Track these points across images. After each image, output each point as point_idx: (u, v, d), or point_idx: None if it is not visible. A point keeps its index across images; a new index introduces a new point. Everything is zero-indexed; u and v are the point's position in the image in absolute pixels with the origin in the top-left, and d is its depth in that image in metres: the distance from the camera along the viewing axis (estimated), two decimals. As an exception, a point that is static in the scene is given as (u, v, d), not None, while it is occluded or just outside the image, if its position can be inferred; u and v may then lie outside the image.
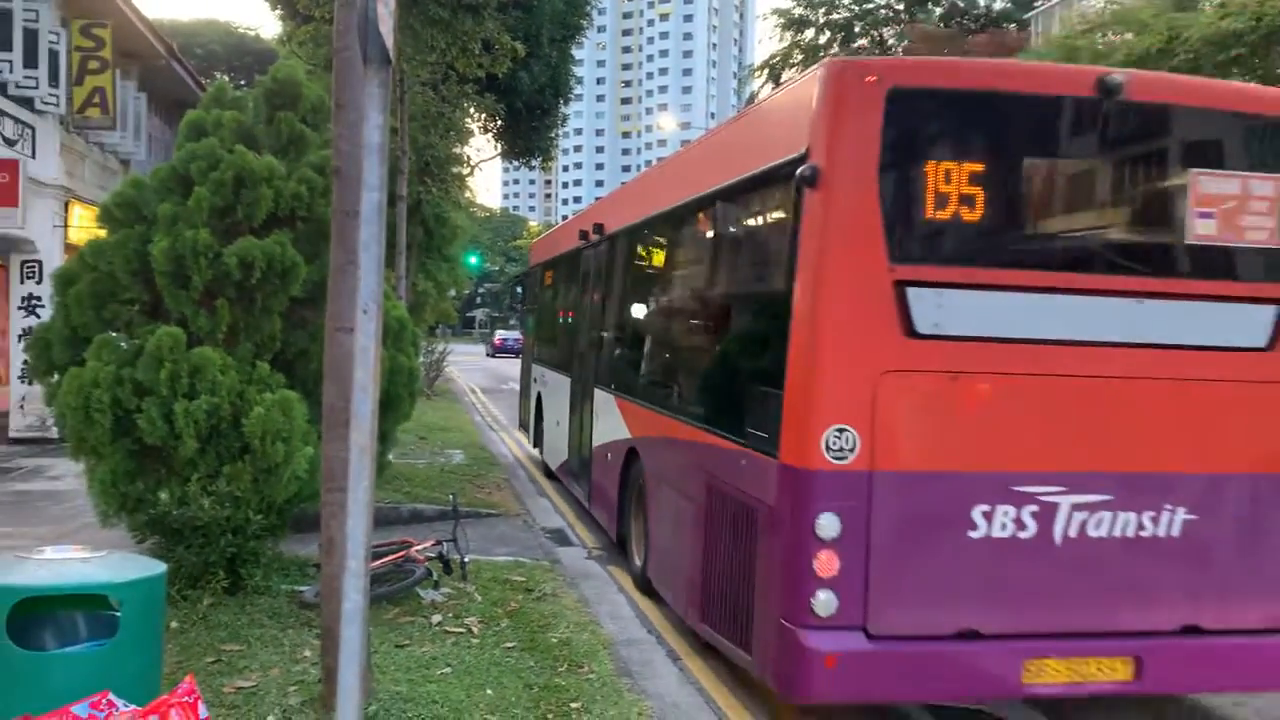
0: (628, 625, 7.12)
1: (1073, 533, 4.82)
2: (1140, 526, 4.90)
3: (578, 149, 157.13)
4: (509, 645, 6.23)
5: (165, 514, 6.47)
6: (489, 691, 5.42)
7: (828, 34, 51.17)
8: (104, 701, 3.73)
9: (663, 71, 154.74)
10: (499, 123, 24.08)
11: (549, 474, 13.15)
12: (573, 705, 5.34)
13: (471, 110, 21.66)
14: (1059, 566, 4.82)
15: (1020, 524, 4.76)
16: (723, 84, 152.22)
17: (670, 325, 7.55)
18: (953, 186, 4.68)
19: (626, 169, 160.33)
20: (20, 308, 15.07)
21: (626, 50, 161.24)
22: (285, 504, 6.77)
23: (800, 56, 51.46)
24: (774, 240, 5.41)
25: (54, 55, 14.67)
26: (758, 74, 55.43)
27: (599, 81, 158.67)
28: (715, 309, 6.33)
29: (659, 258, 8.03)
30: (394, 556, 7.30)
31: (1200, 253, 4.99)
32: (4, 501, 10.73)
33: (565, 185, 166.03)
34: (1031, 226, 5.04)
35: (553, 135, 27.34)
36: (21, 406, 15.01)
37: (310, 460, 6.56)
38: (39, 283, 14.88)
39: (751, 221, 5.93)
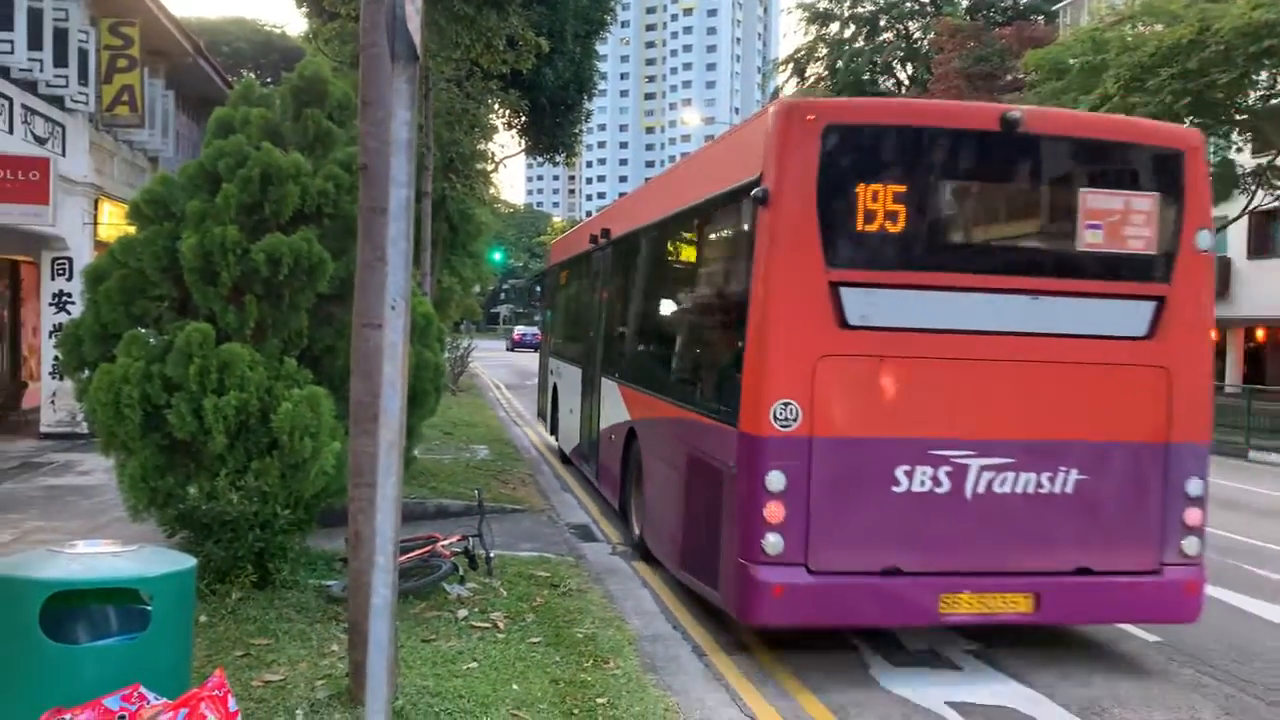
0: (653, 621, 7.13)
1: (981, 489, 5.88)
2: (1039, 484, 5.98)
3: (601, 145, 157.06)
4: (534, 640, 6.24)
5: (194, 509, 6.52)
6: (515, 686, 5.43)
7: (852, 28, 50.94)
8: (135, 694, 3.76)
9: (686, 66, 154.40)
10: (523, 119, 24.10)
11: (565, 460, 14.14)
12: (599, 701, 5.35)
13: (496, 106, 21.67)
14: (970, 517, 5.87)
15: (936, 481, 5.85)
16: (746, 79, 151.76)
17: (659, 319, 8.72)
18: (879, 204, 5.76)
19: (650, 165, 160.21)
20: (51, 304, 15.23)
21: (650, 45, 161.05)
22: (313, 499, 6.81)
23: (825, 50, 51.28)
24: (734, 249, 6.49)
25: (83, 54, 14.81)
26: (782, 68, 55.30)
27: (622, 77, 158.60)
28: (692, 306, 7.52)
29: (649, 262, 9.09)
30: (420, 551, 7.33)
31: (1089, 258, 6.06)
32: (35, 496, 10.86)
33: (589, 181, 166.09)
34: (945, 237, 6.08)
35: (576, 131, 27.32)
36: (52, 402, 15.18)
37: (337, 455, 6.60)
38: (69, 279, 15.03)
39: (718, 233, 7.06)
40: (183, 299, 7.00)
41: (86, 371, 7.12)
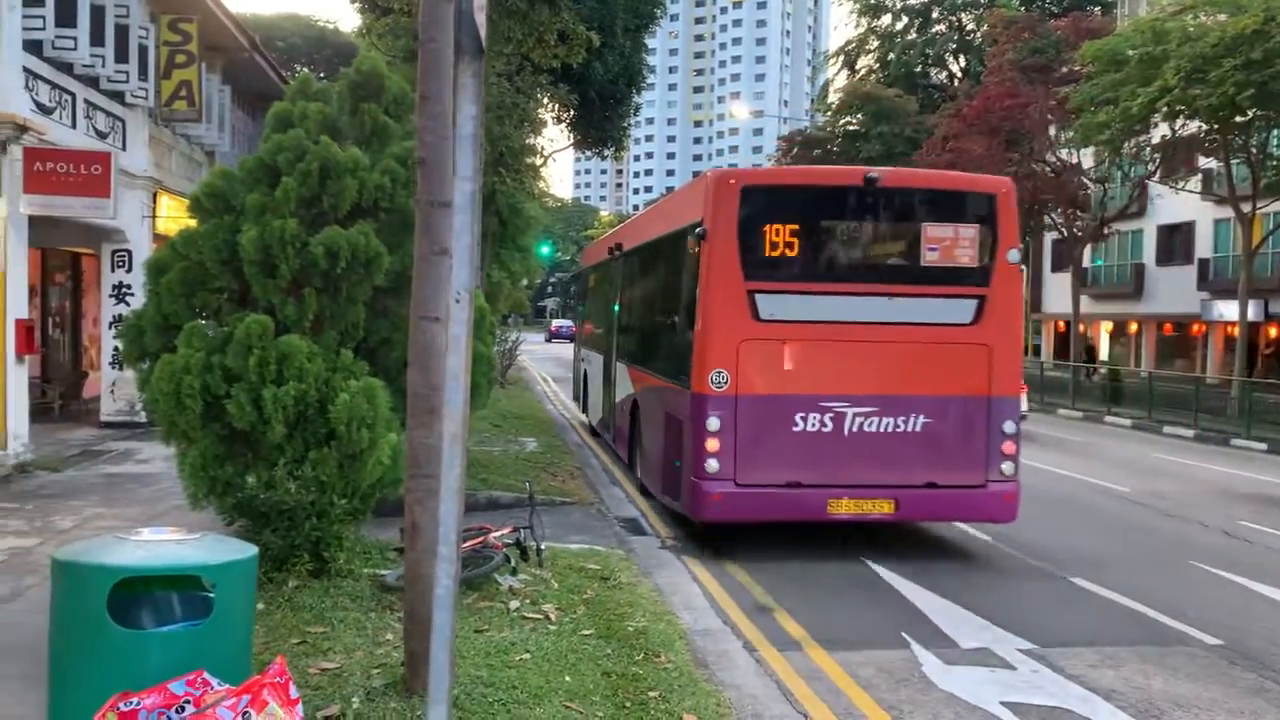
0: (703, 615, 7.12)
1: (855, 429, 8.71)
2: (896, 425, 8.77)
3: (649, 138, 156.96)
4: (586, 633, 6.27)
5: (253, 497, 6.62)
6: (567, 678, 5.46)
7: (904, 20, 50.40)
8: (199, 680, 3.83)
9: (735, 59, 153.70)
10: (572, 113, 24.14)
11: (593, 432, 16.82)
12: (650, 694, 5.35)
13: (545, 101, 21.75)
14: (847, 448, 8.69)
15: (824, 424, 8.68)
16: (796, 71, 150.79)
17: (647, 316, 11.70)
18: (779, 238, 8.72)
19: (698, 158, 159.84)
20: (110, 295, 15.55)
21: (699, 38, 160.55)
22: (368, 489, 6.89)
23: (876, 43, 50.79)
24: (688, 268, 9.29)
25: (143, 50, 15.08)
26: (832, 61, 54.87)
27: (671, 70, 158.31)
28: (665, 306, 10.46)
29: (640, 273, 12.21)
30: (473, 543, 7.39)
31: (931, 270, 8.89)
32: (96, 483, 11.10)
33: (636, 175, 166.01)
34: (826, 258, 9.05)
35: (625, 125, 27.31)
36: (112, 391, 15.50)
37: (393, 447, 6.67)
38: (129, 271, 15.33)
39: (678, 256, 9.79)
40: (242, 291, 7.10)
41: (148, 362, 7.25)
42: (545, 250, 47.55)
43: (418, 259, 5.09)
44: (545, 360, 36.44)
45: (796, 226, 8.86)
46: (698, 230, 8.86)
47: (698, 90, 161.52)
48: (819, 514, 8.76)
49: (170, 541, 4.21)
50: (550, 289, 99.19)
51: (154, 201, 16.03)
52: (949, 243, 9.03)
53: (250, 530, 6.71)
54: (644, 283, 12.13)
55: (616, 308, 13.78)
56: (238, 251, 6.89)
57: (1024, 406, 21.80)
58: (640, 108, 28.59)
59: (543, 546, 7.89)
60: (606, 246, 15.21)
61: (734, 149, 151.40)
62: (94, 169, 12.21)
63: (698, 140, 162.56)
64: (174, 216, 16.34)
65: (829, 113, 48.10)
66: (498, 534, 7.61)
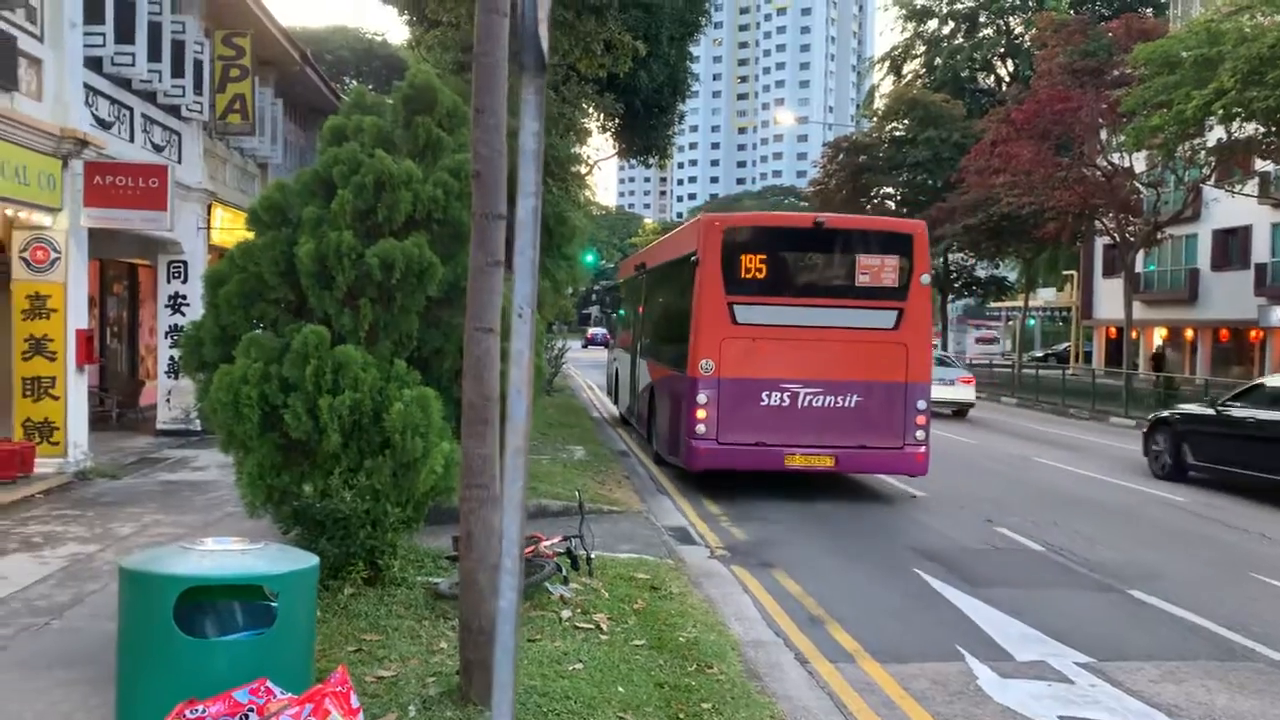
0: (754, 627, 7.10)
1: (805, 404, 11.89)
2: (836, 402, 11.93)
3: (693, 145, 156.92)
4: (638, 643, 6.27)
5: (309, 506, 6.71)
6: (620, 689, 5.47)
7: (951, 24, 50.00)
8: (262, 688, 3.88)
9: (780, 66, 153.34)
10: (617, 122, 24.25)
11: (623, 421, 19.75)
12: (703, 706, 5.35)
13: (591, 110, 21.86)
14: (800, 417, 11.88)
15: (782, 400, 11.86)
16: (841, 77, 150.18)
17: (660, 322, 15.35)
18: (752, 265, 12.04)
19: (742, 165, 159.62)
20: (166, 306, 15.83)
21: (743, 45, 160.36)
22: (422, 498, 6.95)
23: (922, 48, 50.41)
24: (687, 284, 12.58)
25: (198, 65, 15.37)
26: (878, 66, 54.55)
27: (715, 77, 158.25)
28: (673, 314, 13.84)
29: (655, 287, 16.16)
30: (525, 551, 7.42)
31: (862, 289, 12.13)
32: (154, 491, 11.31)
33: (680, 182, 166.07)
34: (785, 279, 12.32)
35: (670, 133, 27.37)
36: (168, 400, 15.77)
37: (446, 456, 6.72)
38: (184, 282, 15.61)
39: (680, 276, 13.30)
40: (299, 302, 7.20)
41: (206, 372, 7.36)
42: (590, 258, 47.81)
43: (473, 270, 5.14)
44: (589, 367, 36.74)
45: (764, 256, 12.38)
46: (693, 259, 12.55)
47: (742, 97, 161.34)
48: (778, 465, 12.13)
49: (234, 551, 4.28)
50: (594, 296, 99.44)
51: (209, 213, 16.31)
52: (876, 269, 12.40)
53: (306, 538, 6.79)
54: (657, 297, 16.18)
55: (639, 316, 17.89)
56: (294, 263, 6.99)
57: (970, 396, 25.04)
58: (684, 116, 28.62)
59: (593, 555, 7.91)
60: (633, 265, 20.18)
61: (778, 156, 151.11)
62: (151, 182, 12.45)
63: (742, 147, 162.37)
64: (228, 228, 16.64)
65: (875, 119, 47.82)
66: (548, 543, 7.64)
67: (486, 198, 5.04)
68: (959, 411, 25.05)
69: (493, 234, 5.06)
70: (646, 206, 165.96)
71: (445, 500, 7.20)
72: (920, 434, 12.24)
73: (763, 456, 12.09)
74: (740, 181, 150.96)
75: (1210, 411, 14.72)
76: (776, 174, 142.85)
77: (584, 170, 27.75)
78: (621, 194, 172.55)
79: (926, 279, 12.47)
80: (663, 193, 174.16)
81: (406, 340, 7.22)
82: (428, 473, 6.71)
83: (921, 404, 12.23)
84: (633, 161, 30.25)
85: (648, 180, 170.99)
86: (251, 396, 6.67)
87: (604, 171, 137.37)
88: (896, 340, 12.25)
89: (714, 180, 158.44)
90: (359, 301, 6.96)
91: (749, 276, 12.29)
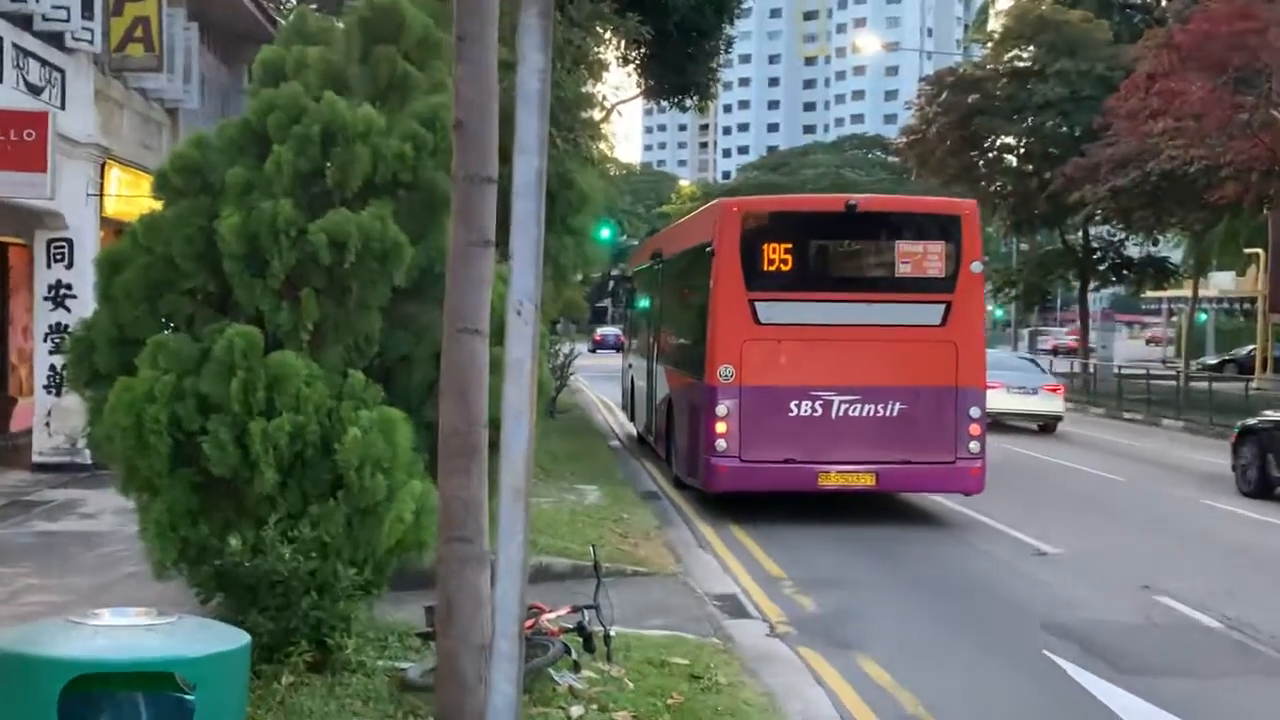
0: (829, 730, 7.10)
1: (840, 414, 13.14)
2: (876, 411, 13.11)
3: (744, 83, 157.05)
4: (674, 752, 6.28)
5: (236, 566, 6.75)
6: (651, 813, 5.47)
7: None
8: (176, 807, 3.92)
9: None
10: (643, 51, 24.27)
11: (641, 441, 21.28)
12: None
13: (608, 36, 21.91)
14: (835, 430, 13.19)
15: (814, 410, 13.16)
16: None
17: (677, 321, 16.92)
18: (775, 255, 13.52)
19: (810, 108, 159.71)
20: (47, 298, 15.88)
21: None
22: (385, 555, 6.98)
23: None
24: (704, 280, 14.00)
25: (88, -22, 15.48)
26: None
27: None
28: (689, 312, 15.43)
29: (672, 280, 17.68)
30: (523, 626, 7.43)
31: (904, 280, 13.59)
32: (29, 545, 11.40)
33: (727, 131, 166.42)
34: (815, 271, 13.95)
35: (713, 66, 27.41)
36: (47, 424, 15.84)
37: (417, 498, 6.76)
38: (69, 267, 15.67)
39: (697, 269, 14.77)
40: (222, 294, 7.27)
41: (99, 387, 7.43)
42: (606, 234, 47.47)
43: (453, 252, 5.18)
44: (601, 379, 36.68)
45: (790, 245, 13.91)
46: (708, 249, 14.17)
47: (810, 17, 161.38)
48: (811, 485, 13.66)
49: (138, 627, 4.31)
50: (612, 284, 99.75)
51: (101, 176, 16.43)
52: (919, 256, 13.90)
53: (232, 608, 6.84)
54: (673, 292, 18.14)
55: (654, 313, 20.01)
56: (216, 243, 7.05)
57: (1058, 408, 27.37)
58: (733, 42, 28.69)
59: (612, 632, 7.91)
60: (648, 252, 22.32)
61: (859, 95, 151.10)
62: (26, 134, 12.57)
63: (810, 84, 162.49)
64: (128, 196, 16.76)
65: (990, 45, 47.70)
66: (553, 616, 7.64)
67: (471, 155, 5.07)
68: (1045, 426, 26.92)
69: (479, 203, 5.10)
70: (682, 165, 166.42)
71: (416, 559, 7.23)
72: (975, 446, 13.81)
73: (793, 476, 13.75)
74: (809, 130, 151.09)
75: None
76: (857, 119, 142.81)
77: (598, 116, 27.86)
78: (649, 147, 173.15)
79: (978, 267, 14.08)
80: (704, 144, 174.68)
81: (364, 345, 7.27)
82: (393, 522, 6.75)
83: (975, 411, 13.82)
84: (664, 104, 30.32)
85: (683, 129, 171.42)
86: (160, 420, 6.74)
87: (625, 118, 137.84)
88: (944, 338, 13.79)
89: (772, 129, 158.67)
90: (301, 293, 7.01)
91: (773, 269, 13.88)
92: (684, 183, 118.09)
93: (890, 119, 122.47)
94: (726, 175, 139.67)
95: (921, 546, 13.05)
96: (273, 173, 7.10)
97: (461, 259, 5.13)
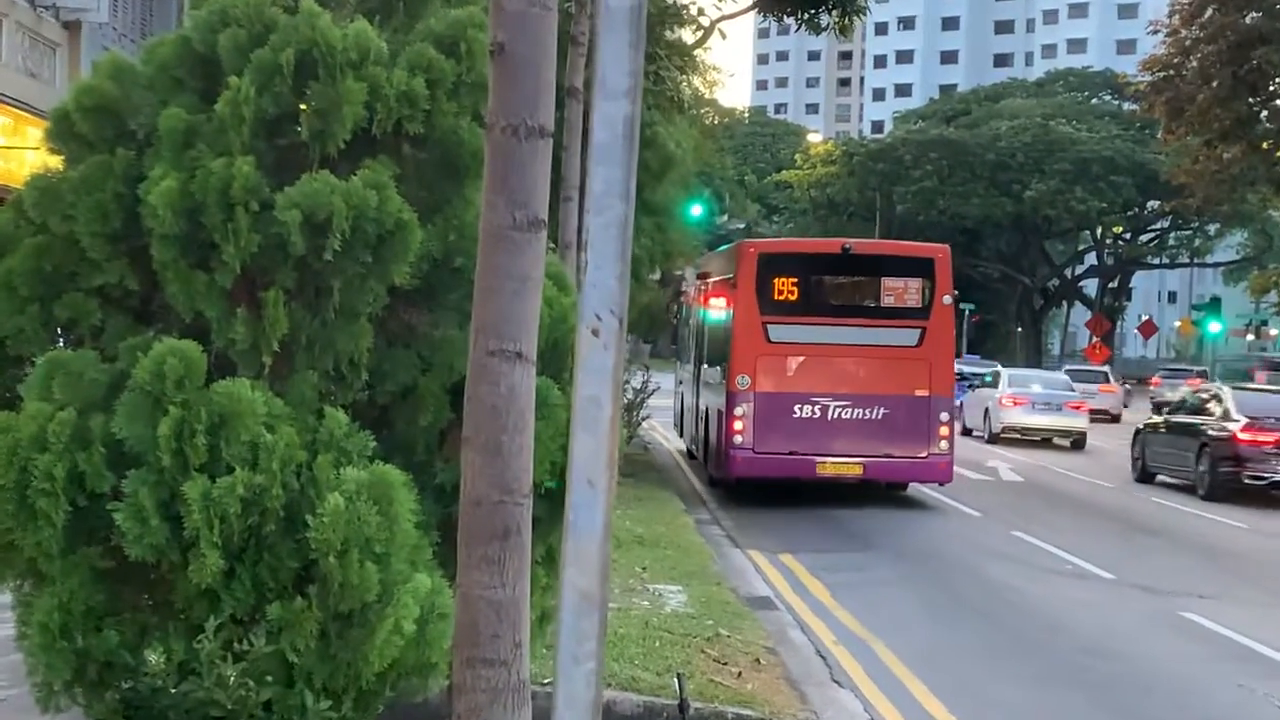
0: None
1: (835, 416, 26.59)
2: (864, 415, 26.61)
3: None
4: None
5: (156, 691, 6.81)
6: None
7: None
8: None
9: None
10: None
11: (690, 455, 33.30)
12: None
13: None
14: (831, 429, 26.68)
15: (814, 413, 26.57)
16: None
17: (711, 340, 31.08)
18: (784, 287, 27.44)
19: (1005, 29, 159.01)
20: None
21: None
22: (375, 681, 7.00)
23: None
24: (728, 305, 28.89)
25: None
26: None
27: None
28: (718, 332, 30.23)
29: (708, 304, 31.87)
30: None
31: (888, 309, 28.05)
32: None
33: (880, 63, 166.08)
34: (817, 300, 28.21)
35: (862, -36, 27.52)
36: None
37: (424, 601, 6.78)
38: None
39: (722, 297, 29.97)
40: (146, 293, 7.35)
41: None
42: (698, 211, 47.32)
43: (485, 237, 5.18)
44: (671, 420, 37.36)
45: (796, 279, 25.91)
46: (731, 280, 26.32)
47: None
48: (810, 473, 25.24)
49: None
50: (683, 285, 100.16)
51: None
52: (900, 290, 25.89)
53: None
54: (709, 314, 30.43)
55: (699, 332, 32.39)
56: (140, 218, 7.13)
57: (1083, 424, 43.47)
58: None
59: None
60: (696, 275, 35.72)
61: (1078, 9, 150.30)
62: None
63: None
64: (7, 147, 17.06)
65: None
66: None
67: (515, 94, 5.10)
68: (1076, 443, 43.09)
69: (526, 166, 5.11)
70: (811, 111, 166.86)
71: (420, 687, 7.26)
72: (944, 444, 25.79)
73: (796, 465, 25.46)
74: (1002, 62, 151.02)
75: None
76: (1075, 48, 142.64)
77: (691, 37, 28.00)
78: (763, 85, 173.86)
79: (948, 299, 26.06)
80: (844, 84, 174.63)
81: (350, 371, 7.31)
82: (388, 633, 6.75)
83: (944, 415, 25.99)
84: (788, 21, 30.38)
85: (814, 59, 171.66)
86: (53, 475, 6.79)
87: (729, 41, 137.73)
88: (920, 357, 25.74)
89: (947, 60, 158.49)
90: (263, 295, 7.07)
91: (782, 299, 25.98)
92: (815, 137, 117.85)
93: (1126, 47, 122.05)
94: (878, 127, 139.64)
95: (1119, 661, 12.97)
96: (226, 117, 7.14)
97: (497, 247, 5.12)
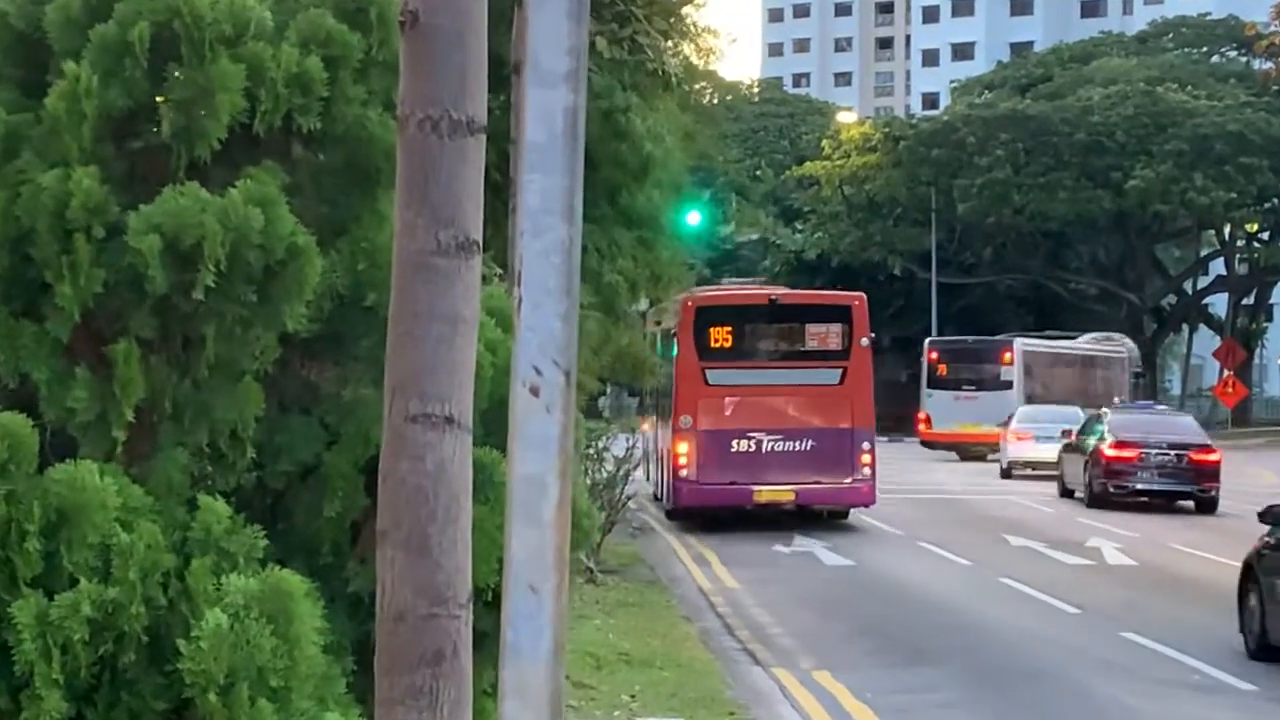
0: None
1: (769, 449, 53.20)
2: (795, 446, 53.25)
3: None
4: None
5: None
6: None
7: None
8: None
9: None
10: None
11: (656, 499, 53.29)
12: None
13: None
14: (764, 460, 53.58)
15: (749, 446, 53.23)
16: None
17: (662, 384, 57.59)
18: (720, 335, 55.37)
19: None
20: None
21: None
22: None
23: None
24: (671, 352, 58.06)
25: None
26: None
27: None
28: (665, 378, 56.49)
29: (659, 349, 58.26)
30: None
31: (812, 353, 58.19)
32: None
33: (929, 15, 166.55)
34: (749, 346, 58.62)
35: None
36: None
37: (334, 747, 6.81)
38: None
39: (670, 343, 58.01)
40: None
41: None
42: (695, 219, 53.98)
43: (400, 266, 5.22)
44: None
45: (730, 328, 47.83)
46: (672, 331, 48.83)
47: None
48: (748, 500, 45.49)
49: None
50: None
51: None
52: (823, 334, 49.34)
53: None
54: (660, 362, 48.03)
55: (659, 378, 49.53)
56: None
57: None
58: None
59: None
60: (652, 322, 53.67)
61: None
62: None
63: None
64: None
65: None
66: None
67: (434, 78, 5.14)
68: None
69: (452, 170, 5.16)
70: (843, 84, 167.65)
71: None
72: (866, 471, 43.19)
73: (736, 494, 43.26)
74: (1091, 9, 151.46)
75: None
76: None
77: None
78: (775, 49, 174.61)
79: (865, 341, 43.95)
80: (885, 46, 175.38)
81: (231, 446, 7.35)
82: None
83: (866, 444, 43.24)
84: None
85: (845, 12, 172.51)
86: None
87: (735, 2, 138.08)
88: (842, 394, 44.22)
89: (1020, 9, 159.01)
90: (113, 348, 7.11)
91: (717, 346, 44.28)
92: (847, 116, 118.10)
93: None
94: (930, 101, 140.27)
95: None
96: (60, 115, 7.21)
97: (416, 277, 5.13)
